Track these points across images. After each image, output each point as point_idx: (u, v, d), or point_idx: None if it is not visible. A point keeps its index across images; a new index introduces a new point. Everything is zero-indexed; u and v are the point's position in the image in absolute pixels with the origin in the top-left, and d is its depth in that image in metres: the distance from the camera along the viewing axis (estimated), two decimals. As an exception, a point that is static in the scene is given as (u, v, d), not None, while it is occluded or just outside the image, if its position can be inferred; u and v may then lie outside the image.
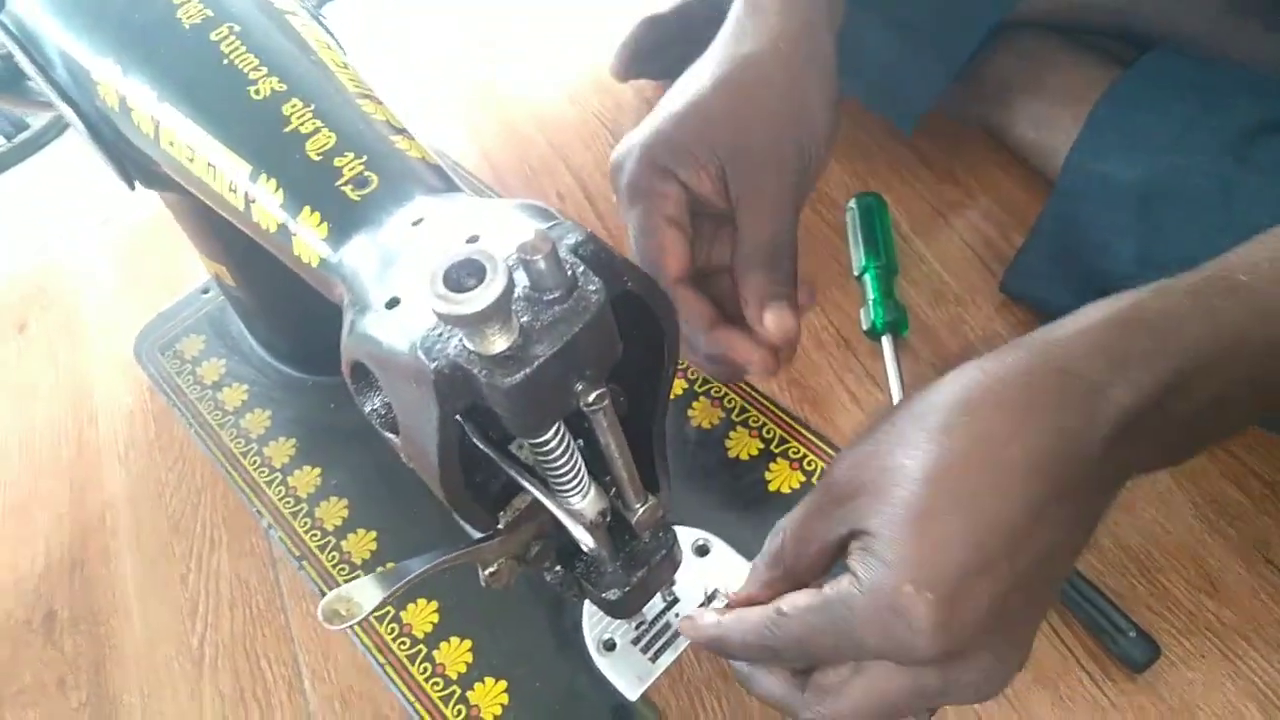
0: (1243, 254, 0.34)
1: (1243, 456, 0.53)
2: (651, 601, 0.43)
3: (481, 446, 0.29)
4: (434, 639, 0.49)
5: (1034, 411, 0.31)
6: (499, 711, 0.46)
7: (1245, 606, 0.48)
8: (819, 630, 0.33)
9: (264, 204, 0.36)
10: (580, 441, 0.34)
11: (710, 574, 0.49)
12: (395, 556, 0.53)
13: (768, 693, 0.37)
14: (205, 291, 0.67)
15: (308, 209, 0.34)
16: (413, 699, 0.47)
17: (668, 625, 0.47)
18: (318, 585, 0.54)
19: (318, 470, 0.57)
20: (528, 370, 0.25)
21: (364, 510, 0.55)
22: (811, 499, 0.35)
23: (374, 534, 0.54)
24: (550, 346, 0.25)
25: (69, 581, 0.62)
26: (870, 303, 0.62)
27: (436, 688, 0.48)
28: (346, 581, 0.52)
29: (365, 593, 0.29)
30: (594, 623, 0.48)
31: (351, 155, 0.34)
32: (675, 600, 0.47)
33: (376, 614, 0.51)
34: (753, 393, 0.56)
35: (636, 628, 0.47)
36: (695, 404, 0.56)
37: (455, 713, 0.46)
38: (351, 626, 0.29)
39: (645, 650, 0.47)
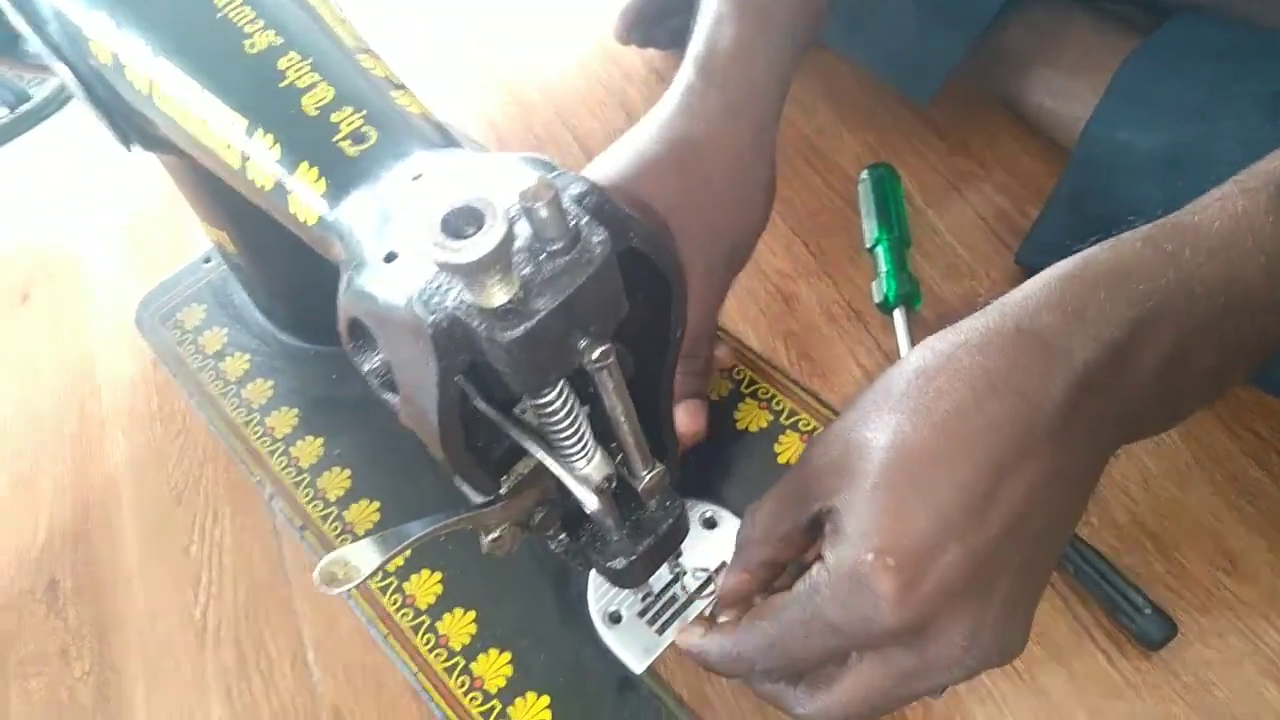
0: (1198, 200, 0.34)
1: (1264, 434, 0.52)
2: (659, 572, 0.42)
3: (483, 408, 0.28)
4: (437, 610, 0.48)
5: (990, 373, 0.31)
6: (503, 683, 0.46)
7: (1265, 584, 0.47)
8: (792, 623, 0.33)
9: (260, 161, 0.34)
10: (586, 407, 0.33)
11: (718, 547, 0.48)
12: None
13: (764, 690, 0.37)
14: (207, 260, 0.66)
15: (305, 165, 0.33)
16: (416, 670, 0.47)
17: (675, 597, 0.46)
18: (320, 555, 0.53)
19: (320, 440, 0.56)
20: (529, 324, 0.24)
21: (366, 480, 0.54)
22: (784, 481, 0.35)
23: (377, 504, 0.53)
24: (553, 299, 0.24)
25: (72, 552, 0.62)
26: (882, 275, 0.61)
27: (440, 659, 0.47)
28: (349, 552, 0.52)
29: (363, 556, 0.29)
30: (600, 594, 0.47)
31: (350, 110, 0.33)
32: (683, 572, 0.47)
33: (379, 585, 0.50)
34: (763, 364, 0.55)
35: (643, 599, 0.46)
36: (704, 375, 0.55)
37: (459, 684, 0.46)
38: (350, 590, 0.28)
39: (651, 623, 0.46)
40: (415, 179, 0.30)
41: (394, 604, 0.49)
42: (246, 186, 0.36)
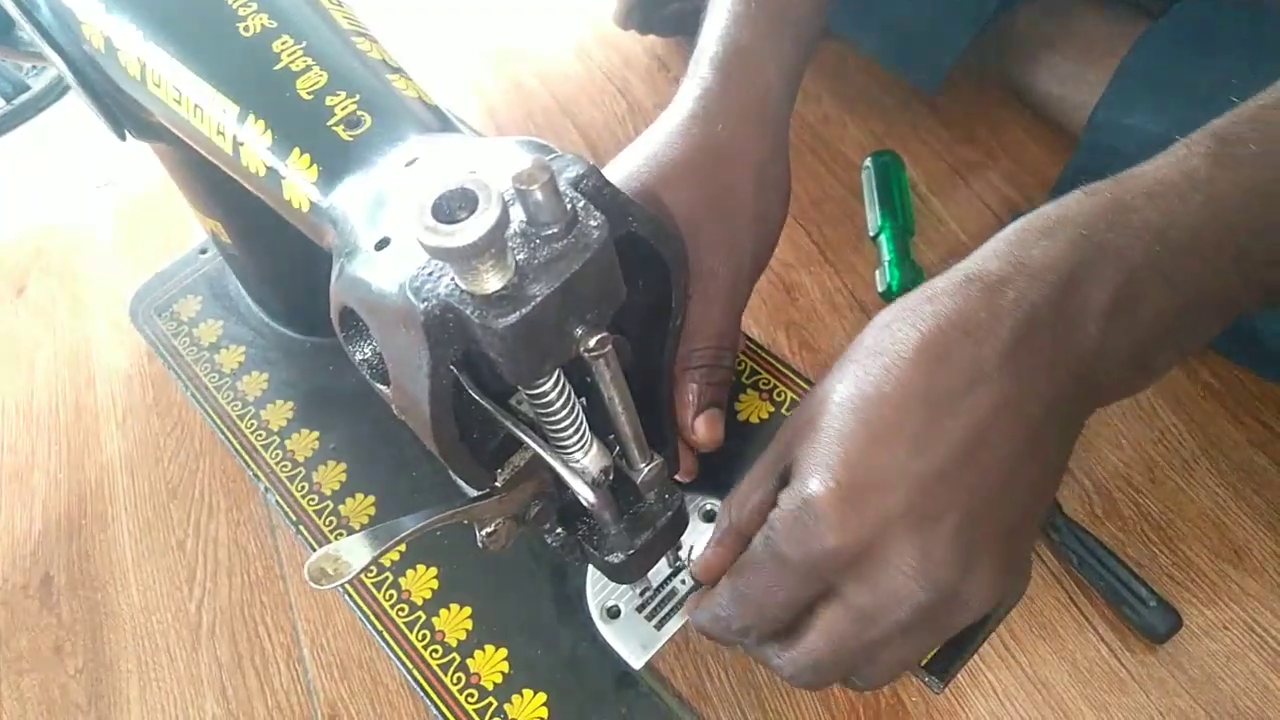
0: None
1: (1271, 423, 0.51)
2: (657, 567, 0.41)
3: (477, 397, 0.27)
4: (433, 605, 0.48)
5: (938, 316, 0.32)
6: (499, 680, 0.45)
7: (1271, 576, 0.47)
8: (755, 570, 0.34)
9: (252, 147, 0.34)
10: (584, 400, 0.32)
11: None
12: (394, 521, 0.52)
13: (751, 651, 0.37)
14: (203, 252, 0.66)
15: (297, 151, 0.32)
16: (411, 667, 0.46)
17: (674, 592, 0.46)
18: (315, 550, 0.52)
19: (315, 434, 0.56)
20: (524, 310, 0.23)
21: (362, 474, 0.54)
22: (762, 458, 0.36)
23: (372, 498, 0.52)
24: (548, 285, 0.23)
25: (66, 546, 0.61)
26: (886, 264, 0.60)
27: (435, 655, 0.46)
28: (345, 546, 0.51)
29: (354, 551, 0.28)
30: (598, 589, 0.47)
31: (344, 94, 0.33)
32: (681, 566, 0.46)
33: (375, 580, 0.49)
34: (764, 355, 0.54)
35: (641, 594, 0.46)
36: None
37: (454, 680, 0.45)
38: (340, 586, 0.27)
39: (650, 618, 0.45)
40: (410, 164, 0.30)
41: (389, 599, 0.48)
42: (240, 172, 0.35)
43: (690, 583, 0.46)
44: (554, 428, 0.30)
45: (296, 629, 0.54)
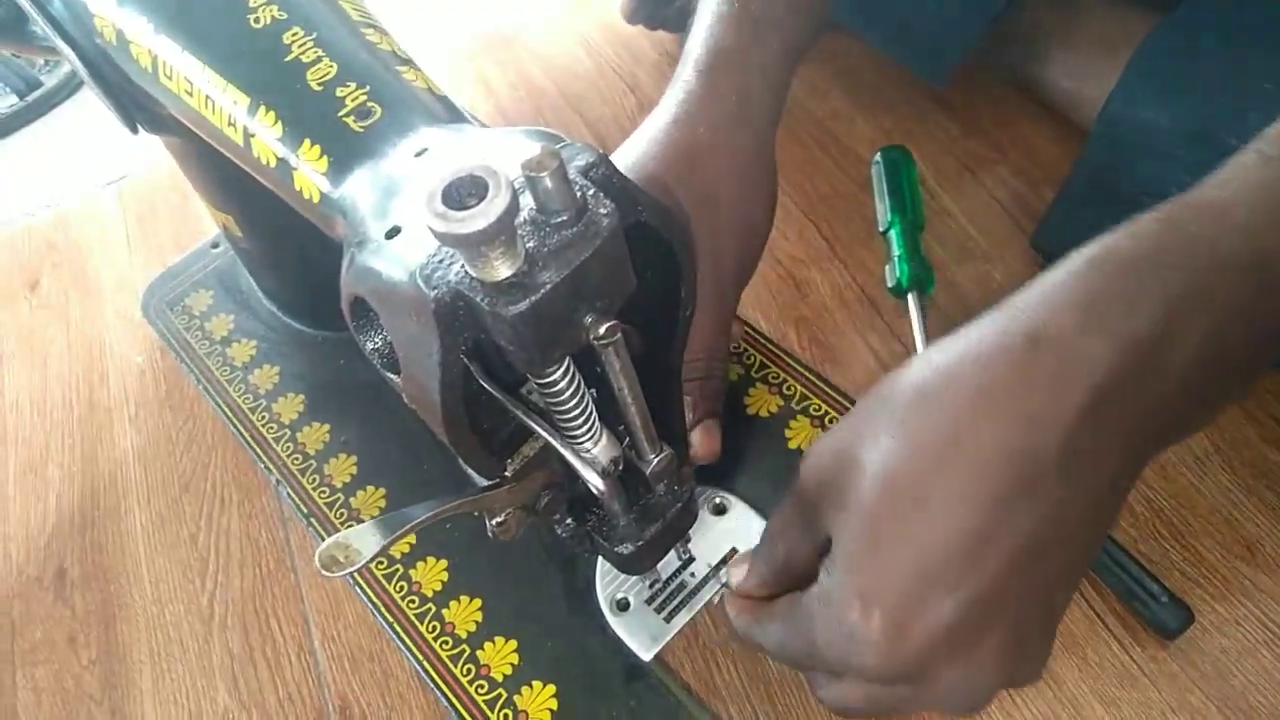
0: (1216, 173, 0.31)
1: (1284, 418, 0.51)
2: (667, 559, 0.41)
3: (486, 386, 0.27)
4: (443, 597, 0.48)
5: (993, 392, 0.28)
6: (509, 671, 0.45)
7: (1284, 572, 0.46)
8: (791, 640, 0.32)
9: (263, 138, 0.34)
10: (594, 391, 0.32)
11: (728, 533, 0.48)
12: (405, 514, 0.52)
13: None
14: (215, 246, 0.66)
15: (308, 142, 0.32)
16: (421, 658, 0.46)
17: (683, 584, 0.46)
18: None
19: (326, 427, 0.56)
20: (534, 298, 0.23)
21: (373, 467, 0.54)
22: (790, 497, 0.33)
23: (383, 491, 0.53)
24: (558, 273, 0.23)
25: (80, 539, 0.61)
26: (895, 259, 0.60)
27: (446, 647, 0.46)
28: (355, 538, 0.51)
29: (365, 540, 0.28)
30: (607, 582, 0.47)
31: (354, 85, 0.33)
32: (691, 559, 0.46)
33: (385, 571, 0.50)
34: (773, 349, 0.54)
35: (651, 586, 0.46)
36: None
37: (465, 672, 0.45)
38: (352, 575, 0.27)
39: (659, 610, 0.45)
40: (420, 154, 0.30)
41: (400, 591, 0.49)
42: (251, 164, 0.36)
43: (699, 575, 0.46)
44: (564, 417, 0.30)
45: (308, 621, 0.54)
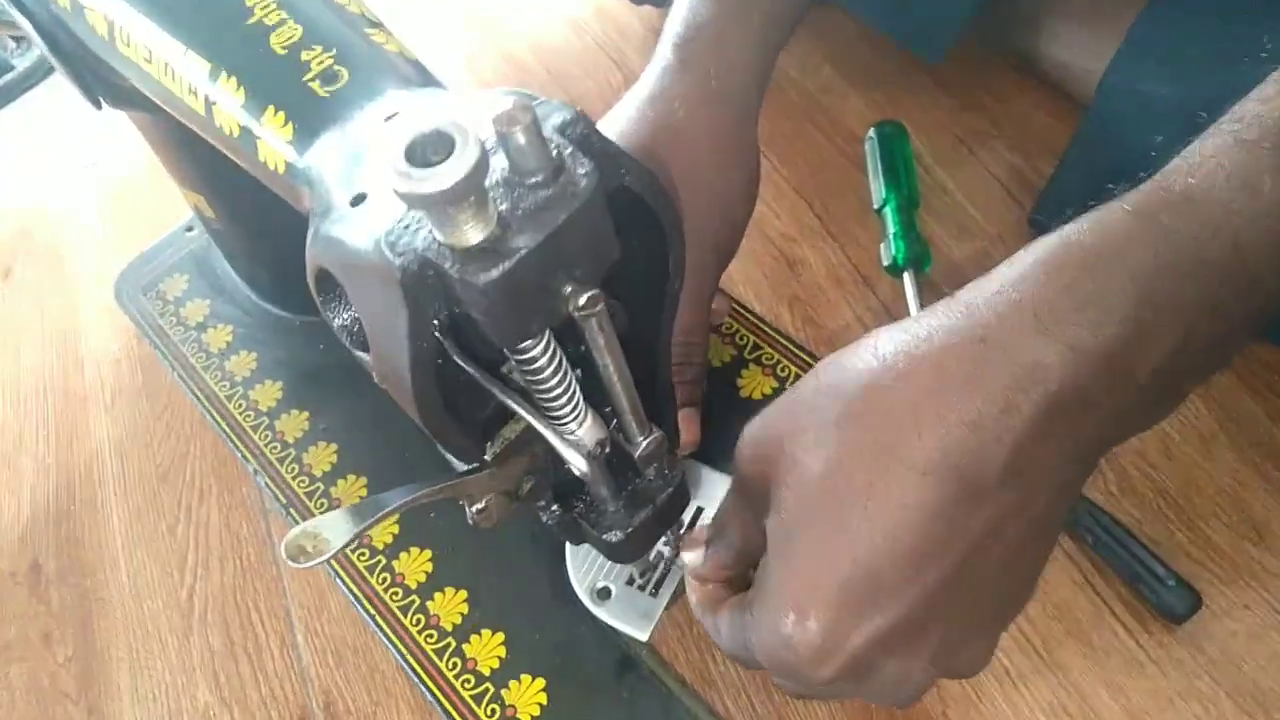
0: (1186, 156, 0.29)
1: (1292, 398, 0.50)
2: None
3: (461, 363, 0.25)
4: (428, 589, 0.46)
5: (941, 398, 0.26)
6: (496, 665, 0.44)
7: (1293, 554, 0.45)
8: (732, 638, 0.32)
9: (225, 106, 0.32)
10: (578, 371, 0.30)
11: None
12: (387, 503, 0.50)
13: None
14: (189, 230, 0.64)
15: (272, 109, 0.31)
16: (405, 652, 0.45)
17: (661, 554, 0.43)
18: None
19: (305, 414, 0.54)
20: (507, 264, 0.21)
21: (354, 455, 0.52)
22: (734, 481, 0.32)
23: (364, 480, 0.51)
24: (533, 237, 0.22)
25: (55, 533, 0.60)
26: (891, 237, 0.59)
27: (430, 640, 0.45)
28: (336, 529, 0.49)
29: (335, 528, 0.26)
30: (582, 574, 0.45)
31: (320, 49, 0.31)
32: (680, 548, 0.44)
33: (367, 564, 0.48)
34: (766, 328, 0.52)
35: (634, 569, 0.44)
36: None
37: (450, 666, 0.44)
38: (329, 566, 0.26)
39: (643, 589, 0.44)
40: (390, 119, 0.28)
41: (382, 583, 0.47)
42: (214, 134, 0.34)
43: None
44: (545, 397, 0.28)
45: (290, 615, 0.53)
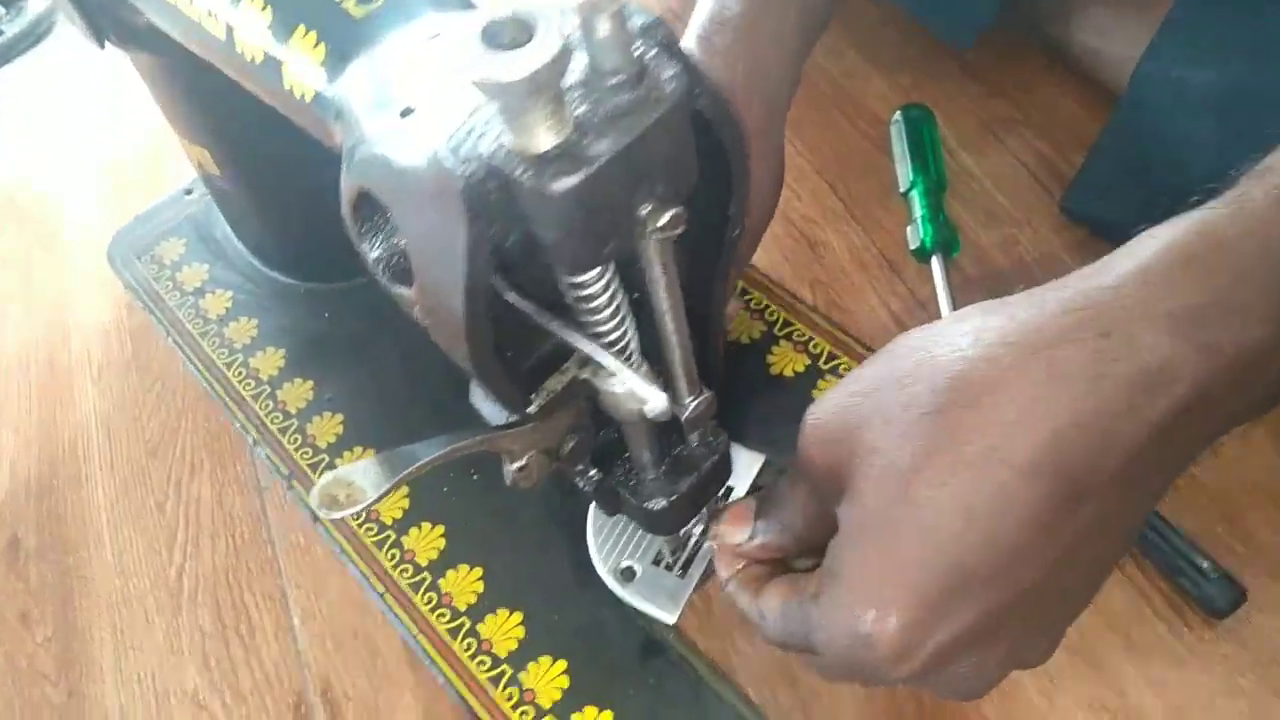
0: None
1: (1335, 386, 0.48)
2: None
3: (511, 299, 0.23)
4: (440, 566, 0.44)
5: (1054, 396, 0.24)
6: (514, 646, 0.41)
7: (1342, 548, 0.44)
8: (788, 626, 0.30)
9: (249, 31, 0.30)
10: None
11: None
12: (396, 477, 0.47)
13: None
14: (188, 192, 0.61)
15: (301, 29, 0.28)
16: (416, 633, 0.42)
17: (689, 532, 0.41)
18: (310, 509, 0.48)
19: (309, 383, 0.52)
20: (586, 171, 0.19)
21: (361, 426, 0.49)
22: (797, 465, 0.30)
23: (371, 452, 0.48)
24: (614, 143, 0.19)
25: (36, 507, 0.57)
26: (918, 220, 0.57)
27: (443, 620, 0.42)
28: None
29: (369, 477, 0.24)
30: (605, 554, 0.42)
31: (355, -33, 0.29)
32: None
33: (375, 539, 0.46)
34: (797, 304, 0.50)
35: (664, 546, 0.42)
36: (731, 314, 0.50)
37: (465, 647, 0.41)
38: (354, 515, 0.23)
39: (670, 567, 0.41)
40: (434, 38, 0.26)
41: (391, 560, 0.44)
42: (234, 65, 0.31)
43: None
44: (601, 338, 0.26)
45: (286, 596, 0.50)
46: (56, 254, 0.70)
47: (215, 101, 0.33)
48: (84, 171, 0.75)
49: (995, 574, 0.25)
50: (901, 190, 0.60)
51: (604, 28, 0.19)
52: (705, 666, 0.40)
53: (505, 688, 0.40)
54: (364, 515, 0.46)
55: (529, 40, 0.18)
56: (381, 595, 0.43)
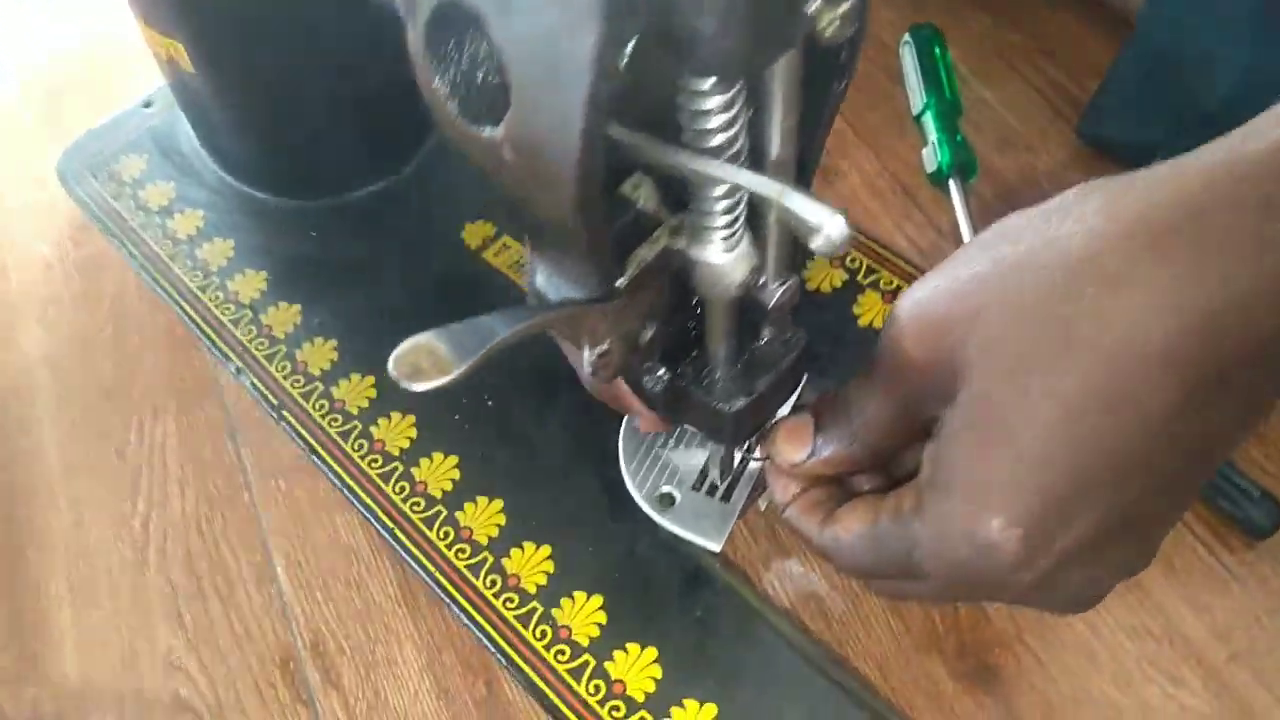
0: None
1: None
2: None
3: (616, 134, 0.19)
4: (455, 500, 0.40)
5: (1181, 283, 0.22)
6: (543, 582, 0.37)
7: (1382, 467, 0.43)
8: (882, 549, 0.28)
9: None
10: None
11: None
12: (400, 405, 0.43)
13: None
14: (148, 105, 0.55)
15: None
16: (434, 569, 0.38)
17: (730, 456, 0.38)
18: (303, 439, 0.44)
19: (296, 307, 0.47)
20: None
21: (358, 353, 0.45)
22: (879, 364, 0.28)
23: (371, 379, 0.44)
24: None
25: (-25, 457, 0.51)
26: (934, 143, 0.55)
27: (462, 556, 0.38)
28: (340, 433, 0.42)
29: (451, 348, 0.20)
30: (641, 480, 0.39)
31: None
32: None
33: (381, 471, 0.41)
34: (882, 251, 0.47)
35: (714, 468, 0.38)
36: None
37: (488, 584, 0.38)
38: (436, 389, 0.19)
39: (711, 493, 0.38)
40: None
41: (400, 493, 0.40)
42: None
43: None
44: (708, 192, 0.22)
45: (267, 545, 0.46)
46: (-12, 179, 0.64)
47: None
48: (16, 90, 0.68)
49: (1119, 479, 0.24)
50: (915, 113, 0.57)
51: None
52: (758, 598, 0.37)
53: (537, 626, 0.36)
54: (365, 445, 0.42)
55: None
56: (393, 530, 0.39)
